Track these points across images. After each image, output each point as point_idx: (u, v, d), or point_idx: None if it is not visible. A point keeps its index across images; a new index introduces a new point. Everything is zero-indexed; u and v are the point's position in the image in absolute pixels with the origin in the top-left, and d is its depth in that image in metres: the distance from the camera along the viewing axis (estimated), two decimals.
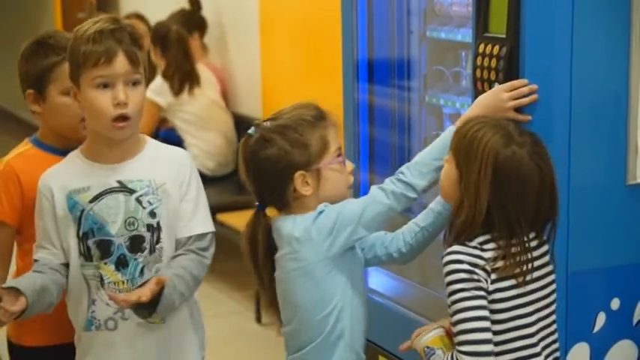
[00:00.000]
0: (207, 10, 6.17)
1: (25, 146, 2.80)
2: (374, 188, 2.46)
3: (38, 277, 2.57)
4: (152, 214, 2.62)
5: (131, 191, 2.61)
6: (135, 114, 2.57)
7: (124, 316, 2.61)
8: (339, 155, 2.49)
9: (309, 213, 2.44)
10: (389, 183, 2.46)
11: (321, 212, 2.43)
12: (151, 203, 2.62)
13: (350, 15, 3.34)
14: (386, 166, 3.46)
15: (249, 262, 2.55)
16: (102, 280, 2.61)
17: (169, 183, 2.63)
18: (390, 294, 3.28)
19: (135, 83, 2.57)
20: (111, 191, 2.61)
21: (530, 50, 2.51)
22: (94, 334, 2.63)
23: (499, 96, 2.50)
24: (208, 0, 6.19)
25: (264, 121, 2.51)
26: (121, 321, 2.62)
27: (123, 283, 2.61)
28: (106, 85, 2.54)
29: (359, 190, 3.41)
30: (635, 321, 2.69)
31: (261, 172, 2.46)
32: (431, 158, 2.47)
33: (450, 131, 2.46)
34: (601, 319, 2.66)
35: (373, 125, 3.45)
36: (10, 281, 2.60)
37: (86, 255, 2.61)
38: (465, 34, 2.99)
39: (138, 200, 2.61)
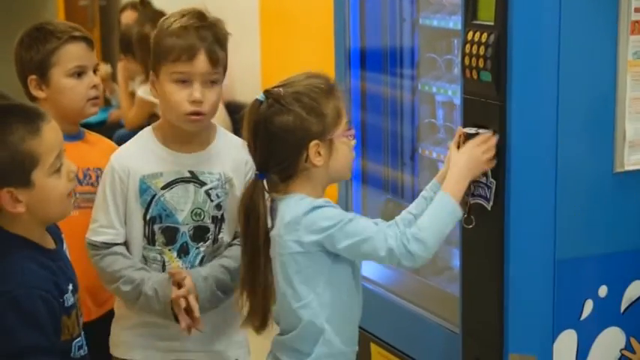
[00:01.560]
0: None
1: None
2: (380, 228, 2.38)
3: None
4: (218, 206, 2.65)
5: (202, 183, 2.64)
6: (209, 111, 2.60)
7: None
8: (349, 129, 2.48)
9: (306, 199, 2.41)
10: (393, 236, 2.36)
11: (318, 207, 2.39)
12: (218, 197, 2.65)
13: (342, 2, 3.34)
14: (378, 153, 3.46)
15: (244, 238, 2.49)
16: (164, 265, 2.64)
17: (236, 179, 2.66)
18: (382, 281, 3.29)
19: (213, 82, 2.59)
20: (182, 180, 2.63)
21: (518, 38, 2.51)
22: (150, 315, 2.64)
23: (475, 155, 2.50)
24: None
25: (275, 87, 2.43)
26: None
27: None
28: (184, 81, 2.56)
29: (352, 174, 3.41)
30: (622, 308, 2.70)
31: (273, 139, 2.38)
32: (434, 229, 2.40)
33: (445, 202, 2.43)
34: (588, 306, 2.66)
35: (365, 112, 3.45)
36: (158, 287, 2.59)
37: (149, 239, 2.63)
38: (457, 22, 2.98)
39: (207, 193, 2.64)
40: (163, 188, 2.62)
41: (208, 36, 2.57)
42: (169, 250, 2.63)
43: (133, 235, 2.63)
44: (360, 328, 2.59)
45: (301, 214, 2.38)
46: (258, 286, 2.48)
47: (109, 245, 2.63)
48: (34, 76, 2.80)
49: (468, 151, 2.53)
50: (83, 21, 7.85)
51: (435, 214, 2.42)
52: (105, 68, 5.93)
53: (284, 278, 2.43)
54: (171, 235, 2.63)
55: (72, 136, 2.80)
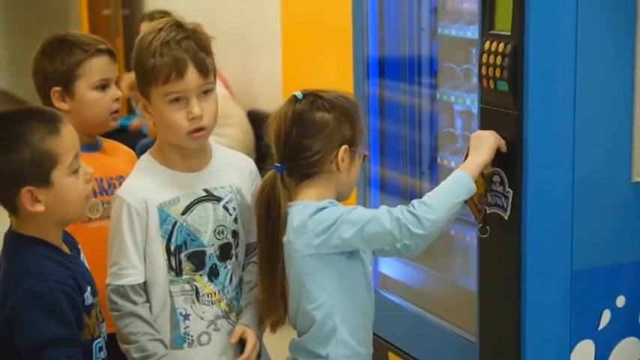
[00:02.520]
0: (224, 4, 6.19)
1: None
2: (382, 208, 2.43)
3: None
4: (236, 219, 2.59)
5: (218, 199, 2.56)
6: (210, 123, 2.51)
7: (217, 327, 2.57)
8: (364, 150, 2.55)
9: (311, 204, 2.43)
10: (398, 210, 2.40)
11: (322, 208, 2.43)
12: (234, 209, 2.58)
13: (361, 12, 3.35)
14: (397, 161, 3.47)
15: (263, 229, 2.50)
16: (197, 292, 2.54)
17: (243, 188, 2.60)
18: (400, 290, 3.29)
19: (206, 92, 2.50)
20: (199, 201, 2.54)
21: (535, 47, 2.51)
22: (186, 351, 2.55)
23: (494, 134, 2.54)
24: None
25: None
26: (214, 333, 2.57)
27: (215, 294, 2.57)
28: (178, 99, 2.46)
29: (370, 183, 3.42)
30: None
31: (311, 130, 2.44)
32: (442, 199, 2.42)
33: (457, 175, 2.46)
34: (606, 316, 2.66)
35: (384, 121, 3.46)
36: None
37: (177, 269, 2.53)
38: (475, 32, 2.98)
39: (225, 208, 2.57)
40: (183, 213, 2.53)
41: (191, 46, 2.45)
42: (200, 275, 2.54)
43: (155, 273, 2.51)
44: (378, 336, 2.60)
45: (307, 217, 2.41)
46: (276, 278, 2.50)
47: (134, 288, 2.51)
48: (58, 88, 2.78)
49: (490, 132, 2.56)
50: (106, 30, 7.90)
51: (444, 184, 2.46)
52: (130, 76, 5.97)
53: (296, 280, 2.45)
54: (199, 259, 2.54)
55: (90, 147, 2.79)
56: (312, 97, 2.47)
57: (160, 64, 2.44)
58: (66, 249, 2.38)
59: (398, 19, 3.42)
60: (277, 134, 2.47)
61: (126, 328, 2.49)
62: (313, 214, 2.41)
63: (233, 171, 2.62)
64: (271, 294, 2.52)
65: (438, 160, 3.34)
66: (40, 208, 2.27)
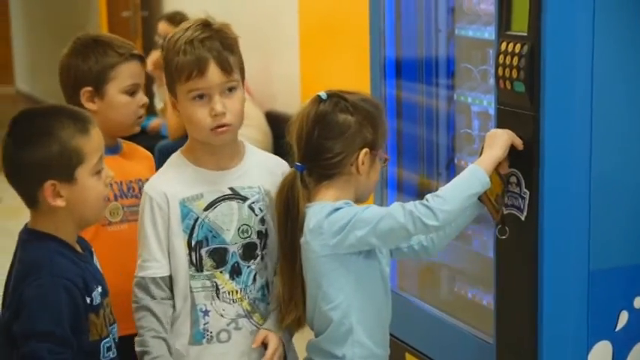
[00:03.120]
0: (241, 5, 6.21)
1: None
2: (395, 204, 2.44)
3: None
4: (262, 220, 2.59)
5: (244, 198, 2.58)
6: (234, 120, 2.53)
7: (238, 325, 2.58)
8: (386, 153, 2.56)
9: (327, 205, 2.44)
10: (411, 204, 2.41)
11: (338, 209, 2.44)
12: (261, 210, 2.59)
13: (378, 13, 3.36)
14: (414, 162, 3.47)
15: (282, 228, 2.52)
16: (217, 289, 2.56)
17: (273, 189, 2.59)
18: (417, 291, 3.29)
19: (231, 89, 2.52)
20: (224, 198, 2.57)
21: (551, 48, 2.51)
22: (204, 347, 2.57)
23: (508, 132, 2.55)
24: None
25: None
26: (235, 332, 2.58)
27: (236, 292, 2.57)
28: (201, 96, 2.50)
29: (386, 184, 3.43)
30: None
31: (333, 131, 2.46)
32: (457, 192, 2.42)
33: (471, 168, 2.46)
34: (624, 317, 2.65)
35: (401, 121, 3.47)
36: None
37: (197, 265, 2.55)
38: (492, 32, 2.98)
39: (250, 207, 2.58)
40: (206, 209, 2.55)
41: (215, 45, 2.50)
42: (220, 272, 2.56)
43: (178, 268, 2.54)
44: (395, 337, 2.61)
45: (323, 218, 2.42)
46: (296, 278, 2.51)
47: (155, 281, 2.54)
48: (89, 88, 2.78)
49: (503, 130, 2.58)
50: (125, 32, 7.94)
51: (458, 177, 2.47)
52: (156, 53, 5.96)
53: (313, 281, 2.46)
54: (220, 256, 2.56)
55: (111, 150, 2.80)
56: (336, 99, 2.48)
57: (183, 61, 2.49)
58: (79, 249, 2.41)
59: (415, 19, 3.42)
60: (299, 133, 2.49)
61: (138, 322, 2.54)
62: (329, 214, 2.42)
63: (264, 173, 2.63)
64: (291, 294, 2.53)
65: (455, 161, 3.34)
66: (60, 203, 2.31)
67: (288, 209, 2.50)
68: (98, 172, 2.35)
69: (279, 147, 5.07)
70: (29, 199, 2.35)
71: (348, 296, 2.45)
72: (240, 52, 2.58)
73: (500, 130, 2.57)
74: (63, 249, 2.35)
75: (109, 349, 2.39)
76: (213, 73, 2.49)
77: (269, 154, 2.76)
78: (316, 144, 2.46)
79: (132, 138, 3.03)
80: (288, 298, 2.54)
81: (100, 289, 2.38)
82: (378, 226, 2.39)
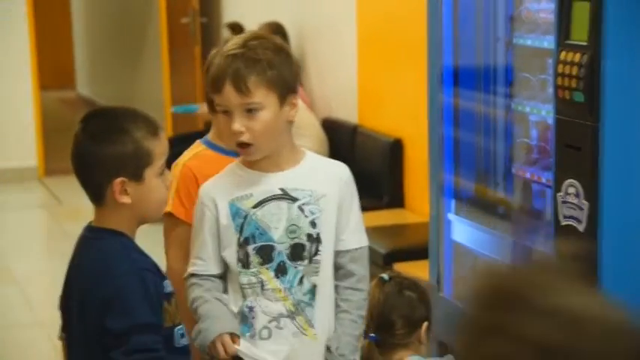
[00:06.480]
0: (300, 15, 6.24)
1: (198, 148, 2.87)
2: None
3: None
4: (313, 223, 2.57)
5: (294, 199, 2.57)
6: (255, 140, 2.49)
7: (279, 325, 2.57)
8: None
9: None
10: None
11: None
12: (312, 213, 2.57)
13: (436, 22, 3.35)
14: (471, 170, 3.45)
15: None
16: (262, 285, 2.56)
17: (330, 196, 2.57)
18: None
19: (250, 110, 2.46)
20: (274, 198, 2.56)
21: (612, 58, 2.48)
22: (247, 341, 2.56)
23: None
24: (302, 3, 6.26)
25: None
26: (276, 330, 2.57)
27: (280, 291, 2.56)
28: (226, 111, 2.49)
29: (443, 192, 3.41)
30: None
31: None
32: None
33: None
34: None
35: (458, 130, 3.45)
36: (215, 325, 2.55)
37: (244, 262, 2.56)
38: (551, 41, 2.96)
39: (300, 208, 2.57)
40: (255, 207, 2.56)
41: (236, 64, 2.44)
42: (266, 269, 2.56)
43: (230, 263, 2.57)
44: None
45: None
46: None
47: (199, 276, 2.58)
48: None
49: None
50: (185, 38, 8.01)
51: None
52: None
53: None
54: (266, 253, 2.56)
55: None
56: (399, 279, 2.74)
57: (208, 75, 2.53)
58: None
59: (473, 28, 3.40)
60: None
61: (189, 296, 2.57)
62: None
63: (320, 177, 2.61)
64: None
65: (513, 170, 3.31)
66: (127, 200, 2.37)
67: None
68: (162, 174, 2.42)
69: (336, 154, 5.08)
70: (96, 195, 2.40)
71: None
72: (278, 70, 2.49)
73: None
74: (130, 242, 2.41)
75: (182, 335, 2.43)
76: (229, 92, 2.46)
77: (330, 159, 2.75)
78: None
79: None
80: None
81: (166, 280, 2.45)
82: None
